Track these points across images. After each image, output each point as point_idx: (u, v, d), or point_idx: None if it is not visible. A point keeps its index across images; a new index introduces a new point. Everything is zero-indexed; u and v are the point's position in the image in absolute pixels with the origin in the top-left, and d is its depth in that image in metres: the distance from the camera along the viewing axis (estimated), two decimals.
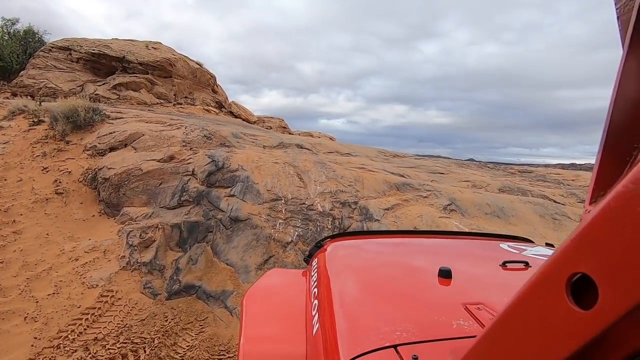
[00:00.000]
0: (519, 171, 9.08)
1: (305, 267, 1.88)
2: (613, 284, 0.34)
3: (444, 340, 0.93)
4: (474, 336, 0.62)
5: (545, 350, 0.41)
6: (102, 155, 6.35)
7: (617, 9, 0.60)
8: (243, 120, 17.12)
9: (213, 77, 18.13)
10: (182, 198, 5.08)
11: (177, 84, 15.81)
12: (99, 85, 14.52)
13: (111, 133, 6.66)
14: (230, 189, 5.19)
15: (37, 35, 17.54)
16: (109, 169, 5.70)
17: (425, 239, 2.14)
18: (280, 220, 4.81)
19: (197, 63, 17.40)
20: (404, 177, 6.62)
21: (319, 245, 1.94)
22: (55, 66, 14.68)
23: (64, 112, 7.26)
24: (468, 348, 0.56)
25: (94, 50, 14.87)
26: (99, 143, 6.54)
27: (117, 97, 14.29)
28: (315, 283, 1.45)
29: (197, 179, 5.33)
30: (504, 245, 1.88)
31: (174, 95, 15.65)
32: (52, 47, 15.19)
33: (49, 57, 14.87)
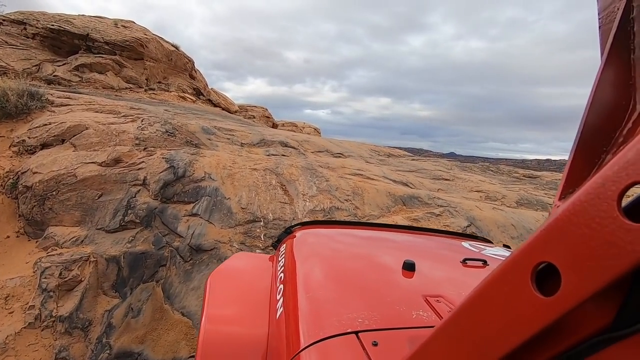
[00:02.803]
0: (524, 176, 8.07)
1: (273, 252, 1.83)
2: (576, 273, 0.36)
3: (403, 329, 0.95)
4: (432, 326, 0.64)
5: (507, 332, 0.43)
6: (32, 154, 4.84)
7: (599, 19, 0.64)
8: (222, 109, 15.50)
9: (191, 61, 16.32)
10: (126, 218, 3.69)
11: (149, 67, 13.99)
12: (59, 66, 12.57)
13: (46, 125, 5.12)
14: (192, 205, 3.84)
15: None
16: (34, 173, 4.22)
17: (393, 232, 2.11)
18: (259, 250, 3.53)
19: (172, 45, 15.56)
20: (408, 186, 5.42)
21: (288, 232, 1.91)
22: (6, 42, 12.58)
23: None
24: (434, 329, 0.55)
25: (52, 25, 12.84)
26: (29, 137, 5.00)
27: (80, 79, 12.42)
28: (282, 268, 1.43)
29: (148, 190, 3.94)
30: (466, 243, 1.93)
31: (146, 79, 13.84)
32: (4, 20, 13.05)
33: None
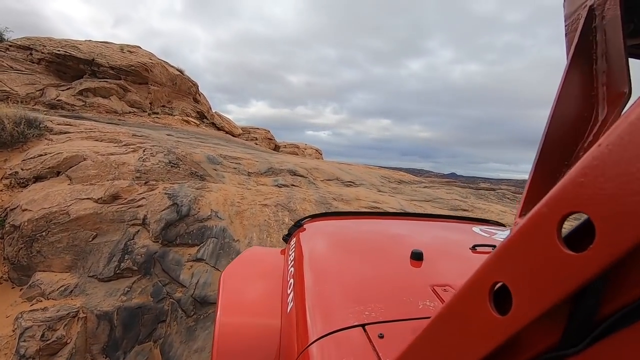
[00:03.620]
0: None
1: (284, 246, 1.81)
2: (524, 294, 0.37)
3: (409, 320, 0.95)
4: None
5: (465, 350, 0.44)
6: (24, 187, 4.44)
7: (565, 26, 0.63)
8: (226, 132, 15.26)
9: (195, 85, 16.22)
10: (122, 264, 3.24)
11: (153, 92, 13.83)
12: (63, 90, 12.40)
13: (41, 155, 4.75)
14: (197, 248, 3.40)
15: None
16: (24, 210, 3.81)
17: (401, 220, 2.06)
18: None
19: (177, 70, 15.48)
20: None
21: (298, 225, 1.86)
22: (12, 67, 12.46)
23: None
24: (404, 348, 0.57)
25: (58, 51, 12.76)
26: (22, 169, 4.62)
27: (83, 103, 12.21)
28: (292, 262, 1.42)
29: (148, 231, 3.51)
30: (476, 228, 1.89)
31: (150, 103, 13.65)
32: (10, 46, 12.98)
33: (5, 57, 12.64)
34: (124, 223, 3.59)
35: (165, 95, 14.49)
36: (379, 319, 0.94)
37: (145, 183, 4.06)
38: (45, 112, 10.53)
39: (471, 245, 1.47)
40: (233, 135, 15.37)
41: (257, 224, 3.65)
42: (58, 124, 6.59)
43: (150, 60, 13.99)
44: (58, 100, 11.95)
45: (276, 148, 29.84)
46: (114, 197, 3.81)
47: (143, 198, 3.82)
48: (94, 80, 12.66)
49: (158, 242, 3.41)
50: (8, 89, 11.87)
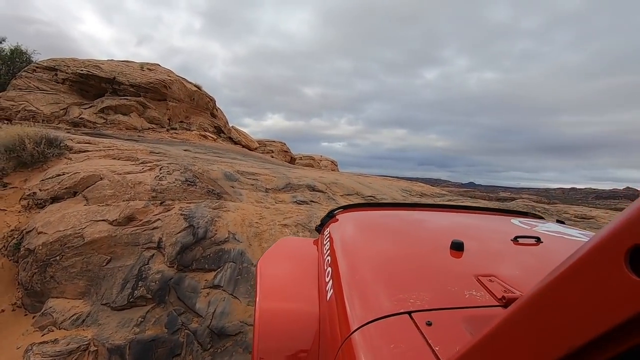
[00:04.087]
0: (576, 217, 7.13)
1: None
2: None
3: (456, 308, 0.92)
4: (487, 306, 0.74)
5: (596, 316, 0.40)
6: (41, 208, 4.36)
7: None
8: (243, 146, 15.24)
9: (212, 100, 16.37)
10: (135, 292, 3.05)
11: (171, 108, 13.99)
12: (85, 109, 12.67)
13: (59, 175, 4.68)
14: (214, 274, 3.18)
15: (25, 55, 15.86)
16: (39, 233, 3.69)
17: (438, 212, 2.02)
18: None
19: (195, 85, 15.67)
20: None
21: (330, 215, 1.88)
22: (38, 87, 12.86)
23: (4, 144, 5.32)
24: (505, 313, 0.52)
25: (82, 70, 13.10)
26: (40, 189, 4.56)
27: (104, 121, 12.43)
28: (328, 251, 1.44)
29: (163, 255, 3.32)
30: (515, 220, 1.84)
31: (168, 119, 13.80)
32: (37, 67, 13.43)
33: (32, 78, 13.08)
34: (139, 246, 3.42)
35: (183, 110, 14.64)
36: (425, 307, 0.92)
37: (161, 203, 3.90)
38: (67, 130, 10.73)
39: (512, 237, 1.42)
40: (249, 149, 15.35)
41: None
42: (78, 143, 6.60)
43: (169, 77, 14.20)
44: (80, 118, 12.20)
45: (292, 160, 29.80)
46: (129, 219, 3.65)
47: (158, 219, 3.65)
48: (115, 98, 12.90)
49: (173, 267, 3.21)
50: (34, 109, 12.21)
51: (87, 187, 4.41)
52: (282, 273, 1.47)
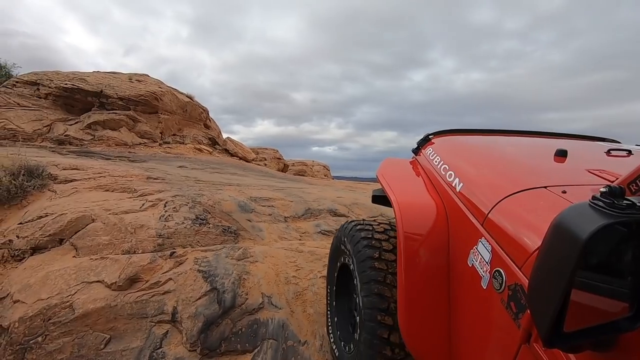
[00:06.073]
0: None
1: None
2: None
3: (585, 185, 1.02)
4: (612, 182, 0.86)
5: None
6: (20, 261, 3.46)
7: None
8: (240, 158, 14.34)
9: (205, 110, 15.43)
10: None
11: (163, 120, 13.00)
12: (71, 125, 11.58)
13: (41, 217, 3.78)
14: (250, 357, 2.37)
15: (4, 69, 14.62)
16: (16, 302, 2.80)
17: (531, 137, 2.17)
18: None
19: (187, 96, 14.70)
20: None
21: (426, 139, 2.12)
22: (18, 104, 11.69)
23: None
24: None
25: (66, 84, 12.00)
26: (19, 236, 3.64)
27: (92, 137, 11.36)
28: (441, 161, 1.67)
29: (181, 332, 2.49)
30: (603, 142, 2.01)
31: (160, 133, 12.80)
32: (17, 82, 12.27)
33: (11, 94, 11.90)
34: (147, 319, 2.58)
35: (175, 123, 13.66)
36: (557, 184, 1.02)
37: (171, 255, 3.06)
38: (52, 150, 9.66)
39: (606, 150, 1.51)
40: (247, 161, 14.46)
41: (322, 310, 2.63)
42: (64, 169, 5.66)
43: (160, 89, 13.22)
44: (66, 135, 11.12)
45: (285, 167, 29.00)
46: (132, 280, 2.81)
47: (170, 279, 2.81)
48: (103, 112, 11.85)
49: (195, 350, 2.38)
50: (15, 127, 11.06)
51: (76, 233, 3.53)
52: (400, 181, 1.77)
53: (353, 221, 1.90)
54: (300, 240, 4.11)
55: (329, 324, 2.21)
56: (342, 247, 1.91)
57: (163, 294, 2.71)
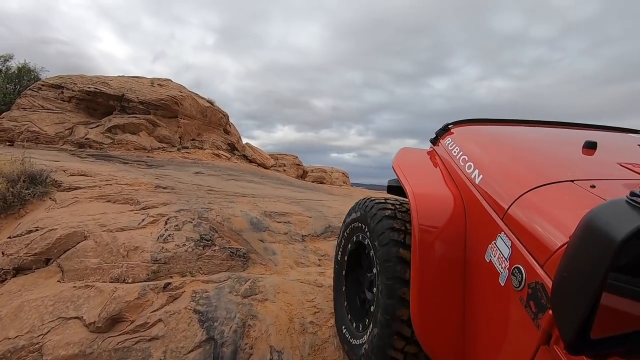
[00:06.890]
0: None
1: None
2: None
3: (614, 179, 0.96)
4: None
5: None
6: (1, 283, 3.02)
7: None
8: (258, 165, 13.93)
9: (225, 115, 15.16)
10: None
11: (183, 125, 12.76)
12: (92, 128, 11.49)
13: (30, 232, 3.34)
14: None
15: (33, 73, 14.87)
16: None
17: (556, 128, 2.04)
18: None
19: (207, 101, 14.47)
20: None
21: (445, 129, 1.99)
22: (42, 106, 11.73)
23: None
24: None
25: (89, 88, 11.96)
26: (4, 253, 3.21)
27: (112, 141, 11.21)
28: (460, 152, 1.57)
29: None
30: (635, 135, 1.90)
31: (179, 138, 12.55)
32: (42, 85, 12.34)
33: (37, 97, 11.97)
34: None
35: (195, 128, 13.42)
36: (585, 177, 0.96)
37: (165, 287, 2.51)
38: (72, 152, 9.52)
39: (638, 143, 1.47)
40: (265, 167, 14.04)
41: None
42: (71, 175, 5.31)
43: (181, 93, 13.02)
44: (86, 138, 11.01)
45: (304, 174, 28.53)
46: (115, 321, 2.27)
47: (160, 321, 2.26)
48: (123, 116, 11.72)
49: None
50: (37, 129, 11.05)
51: (64, 252, 3.06)
52: (416, 171, 1.71)
53: (373, 199, 1.78)
54: (319, 265, 3.50)
55: (337, 307, 2.14)
56: (359, 225, 1.83)
57: (149, 340, 2.16)
